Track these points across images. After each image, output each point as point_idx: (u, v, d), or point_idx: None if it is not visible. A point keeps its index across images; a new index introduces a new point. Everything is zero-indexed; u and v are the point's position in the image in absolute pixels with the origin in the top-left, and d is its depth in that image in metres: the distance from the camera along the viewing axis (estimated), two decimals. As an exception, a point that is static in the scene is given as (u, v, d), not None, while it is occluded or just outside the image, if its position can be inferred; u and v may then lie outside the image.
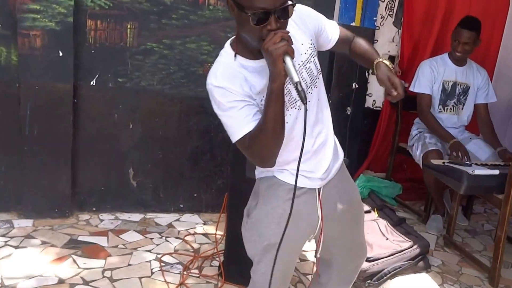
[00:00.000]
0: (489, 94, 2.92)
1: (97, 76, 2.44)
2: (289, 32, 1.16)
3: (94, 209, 2.61)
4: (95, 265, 2.11)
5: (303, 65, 1.28)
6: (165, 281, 2.05)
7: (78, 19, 2.34)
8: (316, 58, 1.32)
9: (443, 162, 2.54)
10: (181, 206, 2.75)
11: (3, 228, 2.31)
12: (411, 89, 2.88)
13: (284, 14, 1.15)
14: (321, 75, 1.34)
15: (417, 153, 2.79)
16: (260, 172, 1.42)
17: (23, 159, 2.36)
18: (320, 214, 1.37)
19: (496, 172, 2.37)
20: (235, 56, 1.25)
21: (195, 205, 2.75)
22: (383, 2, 2.95)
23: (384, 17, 2.97)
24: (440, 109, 2.90)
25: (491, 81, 3.12)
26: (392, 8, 2.99)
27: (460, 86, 2.88)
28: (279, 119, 1.18)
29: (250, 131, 1.21)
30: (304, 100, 1.11)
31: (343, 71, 2.86)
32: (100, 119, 2.51)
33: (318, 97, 1.34)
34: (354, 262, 1.56)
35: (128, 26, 2.46)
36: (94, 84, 2.44)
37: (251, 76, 1.25)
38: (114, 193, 2.64)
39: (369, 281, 2.20)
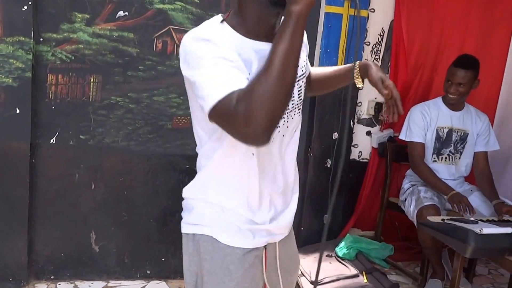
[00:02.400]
0: (490, 141, 2.95)
1: (57, 133, 2.53)
2: None
3: (52, 277, 2.65)
4: None
5: (299, 79, 1.22)
6: None
7: (37, 74, 2.46)
8: (304, 79, 1.28)
9: (442, 219, 2.48)
10: (148, 272, 2.78)
11: (-51, 303, 2.42)
12: (401, 137, 2.93)
13: None
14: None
15: (411, 209, 2.80)
16: (188, 225, 1.26)
17: (-26, 225, 2.47)
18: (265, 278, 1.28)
19: (509, 230, 2.27)
20: (221, 21, 1.15)
21: (162, 270, 2.79)
22: (368, 45, 3.09)
23: (369, 60, 3.15)
24: (435, 158, 2.93)
25: (493, 126, 3.19)
26: (378, 52, 3.15)
27: (457, 133, 2.92)
28: (293, 58, 0.99)
29: (241, 87, 1.00)
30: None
31: (325, 120, 2.94)
32: (59, 179, 2.58)
33: (296, 128, 1.28)
34: None
35: (91, 80, 2.58)
36: (54, 142, 2.53)
37: (247, 53, 1.12)
38: (74, 259, 2.67)
39: None
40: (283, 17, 1.04)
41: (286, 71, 0.98)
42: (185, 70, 1.09)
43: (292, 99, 1.18)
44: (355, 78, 1.33)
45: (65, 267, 2.67)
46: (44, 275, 2.65)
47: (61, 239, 2.65)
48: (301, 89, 1.24)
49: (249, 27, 1.14)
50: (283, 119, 1.18)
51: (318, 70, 1.46)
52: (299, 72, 1.19)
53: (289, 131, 1.23)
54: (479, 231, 2.20)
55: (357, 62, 1.33)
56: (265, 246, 1.26)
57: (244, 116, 0.96)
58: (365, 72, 1.32)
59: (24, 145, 2.46)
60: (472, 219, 2.43)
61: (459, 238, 2.26)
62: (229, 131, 1.02)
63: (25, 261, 2.55)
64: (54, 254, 2.65)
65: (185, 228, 1.27)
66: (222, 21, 1.14)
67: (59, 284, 2.65)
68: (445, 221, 2.44)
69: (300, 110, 1.28)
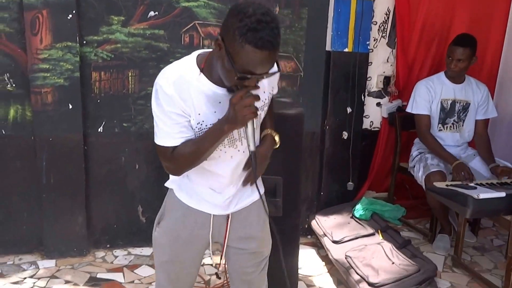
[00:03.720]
0: (489, 110, 3.33)
1: (103, 123, 3.03)
2: (258, 88, 1.42)
3: (108, 246, 3.20)
4: (115, 301, 2.73)
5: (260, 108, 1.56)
6: None
7: (83, 73, 2.91)
8: (265, 109, 1.65)
9: (447, 185, 2.88)
10: (189, 238, 3.37)
11: (30, 270, 2.92)
12: (408, 110, 3.32)
13: (265, 76, 1.40)
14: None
15: (419, 175, 3.22)
16: (170, 182, 1.76)
17: (43, 205, 2.96)
18: (210, 237, 1.73)
19: (503, 194, 2.66)
20: (199, 73, 1.46)
21: None
22: (375, 25, 3.43)
23: (377, 39, 3.46)
24: (440, 127, 3.32)
25: (493, 96, 3.55)
26: (385, 30, 3.50)
27: (460, 103, 3.31)
28: (210, 152, 1.50)
29: (176, 146, 1.48)
30: (254, 168, 1.46)
31: (338, 97, 3.37)
32: (108, 163, 3.09)
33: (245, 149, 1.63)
34: None
35: (130, 74, 3.04)
36: (101, 130, 3.03)
37: (203, 99, 1.47)
38: (126, 230, 3.21)
39: None
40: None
41: (203, 157, 1.51)
42: (152, 101, 1.51)
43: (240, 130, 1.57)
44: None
45: (118, 237, 3.22)
46: (101, 244, 3.21)
47: (113, 213, 3.19)
48: (259, 117, 1.61)
49: (216, 76, 1.47)
50: (232, 147, 1.61)
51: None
52: (259, 105, 1.53)
53: (241, 151, 1.63)
54: (477, 196, 2.61)
55: (268, 130, 1.72)
56: (213, 214, 1.71)
57: (171, 166, 1.55)
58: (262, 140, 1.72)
59: (78, 135, 2.95)
60: (472, 184, 2.84)
61: (460, 202, 2.70)
62: (160, 159, 1.57)
63: (85, 234, 3.10)
64: (109, 226, 3.20)
65: (168, 184, 1.80)
66: (199, 73, 1.48)
67: (115, 251, 3.21)
68: (449, 186, 2.85)
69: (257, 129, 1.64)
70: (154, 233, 1.83)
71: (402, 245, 3.02)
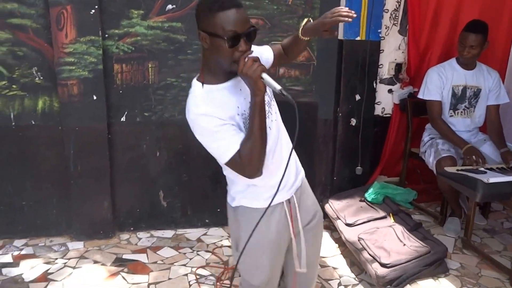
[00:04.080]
0: (501, 95, 3.40)
1: (126, 113, 3.21)
2: (252, 51, 1.56)
3: (132, 229, 3.42)
4: (141, 280, 2.85)
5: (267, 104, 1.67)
6: None
7: (106, 65, 3.08)
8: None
9: (457, 170, 2.99)
10: (207, 221, 3.52)
11: (60, 251, 3.15)
12: (420, 96, 3.43)
13: (251, 37, 1.57)
14: (274, 100, 1.79)
15: (430, 160, 3.33)
16: (232, 200, 1.83)
17: (71, 191, 3.18)
18: (291, 228, 1.81)
19: None
20: (202, 86, 1.61)
21: (219, 219, 3.50)
22: (387, 12, 3.51)
23: (388, 27, 3.54)
24: (451, 113, 3.42)
25: (504, 82, 3.62)
26: (397, 17, 3.58)
27: (471, 89, 3.39)
28: (264, 128, 1.59)
29: (239, 148, 1.56)
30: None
31: (350, 84, 3.47)
32: (131, 150, 3.28)
33: (276, 116, 1.77)
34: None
35: (149, 66, 3.21)
36: (124, 120, 3.21)
37: (229, 98, 1.62)
38: (148, 213, 3.42)
39: (388, 286, 2.68)
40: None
41: (263, 136, 1.59)
42: (198, 136, 1.63)
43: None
44: (302, 35, 1.75)
45: (142, 220, 3.44)
46: (125, 227, 3.43)
47: (136, 198, 3.39)
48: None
49: (218, 76, 1.63)
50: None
51: (280, 46, 1.92)
52: (266, 100, 1.67)
53: (272, 117, 1.75)
54: (487, 181, 2.71)
55: (302, 24, 1.76)
56: (284, 202, 1.80)
57: (247, 168, 1.61)
58: (307, 27, 1.73)
59: (102, 124, 3.14)
60: (482, 169, 2.93)
61: (470, 186, 2.79)
62: (238, 173, 1.64)
63: (110, 217, 3.31)
64: (132, 210, 3.41)
65: (229, 200, 1.88)
66: (202, 86, 1.63)
67: (138, 233, 3.42)
68: (459, 171, 2.95)
69: (271, 107, 1.76)
70: (240, 259, 1.77)
71: (413, 228, 3.15)
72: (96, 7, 2.97)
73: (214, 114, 1.57)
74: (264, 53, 1.85)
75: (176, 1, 3.13)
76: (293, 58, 1.98)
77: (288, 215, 1.83)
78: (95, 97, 3.08)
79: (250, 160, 1.58)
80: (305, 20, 1.74)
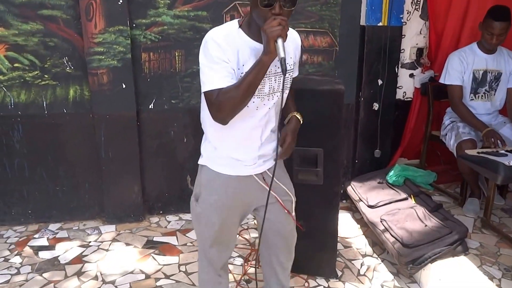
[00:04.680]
0: (521, 78, 3.49)
1: (154, 100, 3.35)
2: (286, 20, 1.61)
3: (161, 212, 3.59)
4: (172, 261, 3.02)
5: (287, 72, 1.71)
6: (230, 272, 2.87)
7: (134, 54, 3.20)
8: (292, 74, 1.90)
9: (478, 152, 3.10)
10: (233, 203, 3.72)
11: (93, 234, 3.32)
12: (441, 81, 3.52)
13: (288, 3, 1.64)
14: (286, 92, 1.89)
15: (451, 143, 3.45)
16: (204, 159, 1.94)
17: (102, 176, 3.34)
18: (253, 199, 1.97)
19: None
20: (238, 27, 1.74)
21: None
22: (408, -2, 3.65)
23: (410, 12, 3.62)
24: (472, 97, 3.52)
25: None
26: (418, 2, 3.64)
27: (491, 73, 3.48)
28: (254, 86, 1.67)
29: (222, 87, 1.66)
30: (284, 71, 1.59)
31: (372, 70, 3.56)
32: (159, 136, 3.42)
33: (277, 103, 1.86)
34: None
35: (176, 54, 3.32)
36: (152, 107, 3.35)
37: (244, 52, 1.72)
38: (176, 197, 3.58)
39: (411, 265, 2.79)
40: None
41: (248, 92, 1.67)
42: (201, 55, 1.72)
43: (272, 87, 1.81)
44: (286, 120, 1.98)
45: (170, 204, 3.61)
46: (155, 210, 3.60)
47: (165, 182, 3.55)
48: (283, 81, 1.72)
49: (254, 32, 1.74)
50: (262, 99, 1.81)
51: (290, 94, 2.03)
52: (288, 68, 1.75)
53: (267, 107, 1.85)
54: (508, 163, 2.81)
55: (294, 112, 1.98)
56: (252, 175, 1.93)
57: (218, 108, 1.70)
58: (288, 122, 1.96)
59: (131, 112, 3.28)
60: (502, 151, 3.04)
61: (491, 169, 2.90)
62: (208, 108, 1.74)
63: (140, 201, 3.48)
64: (161, 194, 3.58)
65: (200, 162, 2.00)
66: (238, 27, 1.76)
67: (167, 217, 3.60)
68: (479, 153, 3.05)
69: (280, 94, 1.85)
70: (196, 208, 2.00)
71: (434, 209, 3.26)
72: (124, -3, 3.08)
73: (224, 49, 1.68)
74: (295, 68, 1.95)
75: (201, -10, 3.24)
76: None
77: (264, 184, 1.96)
78: (124, 86, 3.21)
79: (224, 103, 1.68)
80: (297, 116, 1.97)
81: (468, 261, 2.86)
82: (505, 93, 3.54)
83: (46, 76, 3.19)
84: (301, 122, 2.00)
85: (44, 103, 3.22)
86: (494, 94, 3.55)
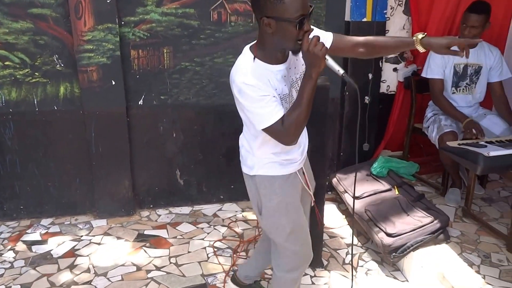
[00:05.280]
0: (503, 72, 3.64)
1: (143, 96, 3.45)
2: (313, 29, 1.76)
3: (151, 206, 3.72)
4: (162, 254, 3.14)
5: (301, 77, 1.90)
6: (220, 263, 3.04)
7: (123, 52, 3.30)
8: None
9: (459, 144, 3.22)
10: (222, 197, 3.82)
11: (85, 229, 3.44)
12: (423, 75, 3.67)
13: (311, 15, 1.75)
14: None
15: (433, 135, 3.60)
16: (249, 170, 2.07)
17: (93, 172, 3.45)
18: (306, 187, 2.18)
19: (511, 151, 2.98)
20: (253, 59, 1.81)
21: (233, 194, 3.82)
22: (393, -8, 3.77)
23: (393, 7, 3.74)
24: (453, 90, 3.67)
25: (504, 55, 3.86)
26: (402, -3, 3.82)
27: (472, 67, 3.63)
28: (311, 101, 1.78)
29: (282, 116, 1.77)
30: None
31: (357, 64, 3.68)
32: (149, 132, 3.54)
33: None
34: None
35: (164, 51, 3.42)
36: (141, 103, 3.46)
37: (272, 78, 1.82)
38: (166, 191, 3.71)
39: (394, 253, 2.93)
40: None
41: (308, 108, 1.79)
42: (241, 100, 1.81)
43: (293, 96, 1.92)
44: (420, 47, 1.96)
45: (160, 198, 3.73)
46: (145, 204, 3.73)
47: (155, 177, 3.68)
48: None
49: (270, 57, 1.83)
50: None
51: (355, 39, 2.12)
52: (296, 77, 1.92)
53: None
54: (487, 154, 2.93)
55: (416, 36, 1.95)
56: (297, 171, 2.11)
57: (287, 133, 1.81)
58: (427, 44, 1.94)
59: (121, 108, 3.39)
60: (482, 143, 3.17)
61: (471, 160, 3.02)
62: (275, 139, 1.86)
63: (131, 196, 3.60)
64: (151, 189, 3.70)
65: (246, 170, 2.13)
66: (254, 59, 1.83)
67: (158, 210, 3.72)
68: (460, 145, 3.19)
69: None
70: (261, 221, 2.14)
71: (417, 199, 3.41)
72: (113, -5, 3.17)
73: (259, 87, 1.77)
74: (322, 35, 1.99)
75: (189, -13, 3.33)
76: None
77: (303, 181, 2.16)
78: (113, 82, 3.32)
79: (293, 128, 1.80)
80: (421, 35, 1.95)
81: (449, 248, 3.02)
82: (485, 86, 3.70)
83: (36, 73, 3.28)
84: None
85: (35, 100, 3.31)
86: (475, 87, 3.70)
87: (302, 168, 2.15)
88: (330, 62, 1.77)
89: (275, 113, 1.79)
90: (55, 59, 3.27)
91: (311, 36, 1.74)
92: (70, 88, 3.35)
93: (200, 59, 3.48)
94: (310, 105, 1.79)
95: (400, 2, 3.77)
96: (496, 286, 2.70)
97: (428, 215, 3.16)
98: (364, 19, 3.61)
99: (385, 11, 3.65)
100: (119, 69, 3.31)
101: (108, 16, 3.19)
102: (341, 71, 1.76)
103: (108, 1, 3.16)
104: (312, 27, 1.82)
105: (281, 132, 1.81)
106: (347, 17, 3.62)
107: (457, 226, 3.43)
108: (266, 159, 2.02)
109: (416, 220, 3.12)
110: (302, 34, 1.73)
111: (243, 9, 3.43)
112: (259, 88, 1.77)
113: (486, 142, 3.22)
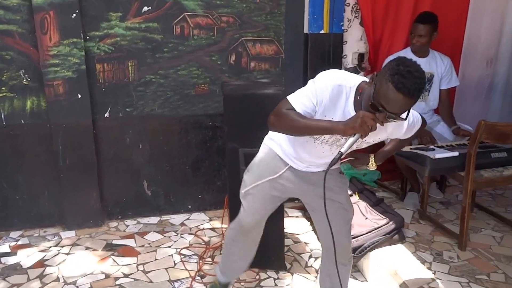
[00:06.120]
0: (452, 80, 3.92)
1: (109, 109, 3.62)
2: (382, 125, 1.86)
3: (119, 217, 3.86)
4: (130, 262, 3.28)
5: (362, 141, 2.03)
6: (186, 269, 3.18)
7: (89, 65, 3.47)
8: (371, 144, 2.19)
9: (410, 148, 3.48)
10: (189, 207, 3.99)
11: (53, 240, 3.56)
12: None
13: (393, 117, 1.83)
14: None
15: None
16: (268, 140, 2.40)
17: (61, 184, 3.59)
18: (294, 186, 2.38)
19: (456, 153, 3.27)
20: (356, 89, 1.96)
21: (201, 205, 3.99)
22: (348, 6, 3.94)
23: (350, 19, 3.99)
24: (409, 98, 3.97)
25: (459, 66, 4.18)
26: (358, 10, 4.01)
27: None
28: (307, 131, 1.99)
29: (295, 110, 1.96)
30: (331, 165, 1.92)
31: (317, 74, 3.93)
32: (115, 143, 3.70)
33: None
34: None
35: (129, 64, 3.60)
36: (107, 116, 3.62)
37: (337, 111, 1.98)
38: (134, 202, 3.87)
39: (353, 254, 3.09)
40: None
41: (298, 130, 2.00)
42: (316, 76, 2.02)
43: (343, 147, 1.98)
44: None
45: (128, 209, 3.89)
46: (113, 215, 3.88)
47: (122, 188, 3.83)
48: (358, 146, 2.13)
49: (357, 100, 1.98)
50: (328, 146, 2.14)
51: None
52: (368, 141, 2.10)
53: (333, 150, 2.15)
54: (433, 156, 3.22)
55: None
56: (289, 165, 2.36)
57: (276, 114, 2.02)
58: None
59: (88, 120, 3.54)
60: (431, 147, 3.45)
61: (420, 163, 3.31)
62: (275, 109, 2.05)
63: (99, 207, 3.74)
64: (119, 200, 3.85)
65: (266, 140, 2.45)
66: (356, 90, 1.99)
67: (126, 221, 3.88)
68: (412, 149, 3.45)
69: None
70: (244, 176, 2.50)
71: (375, 203, 3.62)
72: (77, 11, 3.35)
73: (324, 96, 1.96)
74: (393, 134, 2.23)
75: (152, 3, 3.52)
76: None
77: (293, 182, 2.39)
78: (79, 96, 3.47)
79: (281, 118, 2.00)
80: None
81: (404, 248, 3.26)
82: (438, 93, 3.97)
83: (3, 88, 3.42)
84: (370, 168, 2.39)
85: (2, 114, 3.45)
86: (428, 95, 3.96)
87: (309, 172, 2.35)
88: (350, 140, 1.89)
89: (301, 104, 1.98)
90: (21, 74, 3.42)
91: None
92: (37, 102, 3.49)
93: (164, 71, 3.66)
94: (300, 130, 2.00)
95: (356, 15, 4.01)
96: (444, 280, 2.93)
97: (384, 217, 3.38)
98: (322, 31, 3.85)
99: (341, 23, 3.89)
100: (85, 82, 3.47)
101: (73, 31, 3.36)
102: (343, 150, 1.91)
103: (72, 16, 3.33)
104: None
105: (279, 111, 2.01)
106: (306, 30, 3.85)
107: (413, 227, 3.66)
108: (282, 143, 2.32)
109: (373, 222, 3.34)
110: (370, 114, 1.83)
111: (205, 23, 3.63)
112: (323, 96, 1.96)
113: (436, 146, 3.46)
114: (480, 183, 3.29)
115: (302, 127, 1.97)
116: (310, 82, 2.05)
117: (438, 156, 3.23)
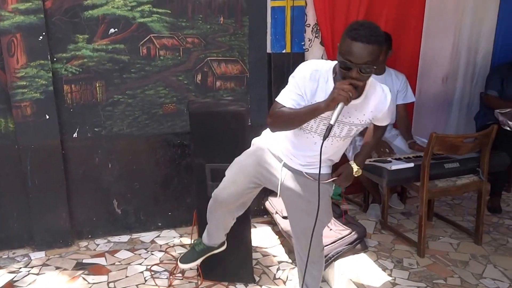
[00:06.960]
0: (408, 95, 4.16)
1: (77, 129, 3.72)
2: (361, 83, 2.02)
3: (90, 236, 3.95)
4: (101, 279, 3.37)
5: (350, 122, 2.22)
6: (157, 285, 3.30)
7: (56, 87, 3.58)
8: (360, 128, 2.30)
9: (369, 161, 3.67)
10: (159, 224, 4.11)
11: (23, 261, 3.62)
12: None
13: (366, 70, 1.97)
14: (352, 138, 2.41)
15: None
16: (263, 141, 2.55)
17: (30, 205, 3.66)
18: (280, 178, 2.48)
19: (411, 165, 3.47)
20: (333, 70, 2.13)
21: (171, 221, 4.11)
22: (309, 27, 4.18)
23: (311, 39, 4.23)
24: (368, 113, 4.20)
25: (416, 83, 4.46)
26: (318, 31, 4.25)
27: (382, 91, 4.18)
28: (299, 121, 2.16)
29: (285, 106, 2.16)
30: (325, 137, 2.01)
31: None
32: (84, 163, 3.80)
33: (339, 145, 2.36)
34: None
35: (97, 85, 3.72)
36: (76, 136, 3.73)
37: (321, 91, 2.14)
38: (104, 221, 3.96)
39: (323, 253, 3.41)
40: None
41: (292, 122, 2.19)
42: (292, 74, 2.22)
43: (334, 133, 2.24)
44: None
45: (98, 228, 3.97)
46: (83, 235, 3.96)
47: (92, 207, 3.92)
48: (351, 130, 2.27)
49: (337, 76, 2.14)
50: (320, 137, 2.22)
51: (366, 135, 2.67)
52: (356, 122, 2.24)
53: (328, 143, 2.29)
54: (390, 168, 3.43)
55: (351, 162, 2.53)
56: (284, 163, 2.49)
57: (272, 115, 2.23)
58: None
59: (56, 141, 3.64)
60: (388, 159, 3.66)
61: (378, 174, 3.49)
62: (270, 110, 2.26)
63: (68, 226, 3.82)
64: (89, 219, 3.94)
65: (263, 135, 2.61)
66: (330, 68, 2.17)
67: (96, 240, 3.95)
68: (371, 162, 3.65)
69: (342, 139, 2.34)
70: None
71: (339, 215, 3.82)
72: (44, 33, 3.46)
73: (305, 84, 2.15)
74: (378, 121, 2.40)
75: (117, 25, 3.67)
76: None
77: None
78: (47, 116, 3.56)
79: (277, 117, 2.20)
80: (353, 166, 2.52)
81: (366, 257, 3.46)
82: (395, 109, 4.16)
83: (-30, 111, 3.48)
84: (357, 174, 2.51)
85: (-31, 136, 3.51)
86: (387, 110, 4.16)
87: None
88: (337, 108, 2.00)
89: (288, 99, 2.18)
90: (-12, 96, 3.49)
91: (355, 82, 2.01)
92: (5, 123, 3.56)
93: (132, 91, 3.79)
94: (293, 121, 2.18)
95: (316, 35, 4.24)
96: (404, 286, 3.12)
97: (347, 228, 3.57)
98: (284, 51, 4.05)
99: (303, 43, 4.11)
100: (53, 103, 3.57)
101: (40, 53, 3.47)
102: (332, 122, 2.01)
103: (39, 39, 3.44)
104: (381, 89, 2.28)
105: (273, 112, 2.21)
106: (269, 49, 4.05)
107: (375, 237, 3.87)
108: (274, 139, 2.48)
109: (336, 233, 3.52)
110: (347, 76, 2.00)
111: (170, 44, 3.78)
112: (304, 83, 2.15)
113: (394, 158, 3.67)
114: (434, 193, 3.51)
115: (294, 117, 2.15)
116: (290, 78, 2.23)
117: (394, 167, 3.44)
